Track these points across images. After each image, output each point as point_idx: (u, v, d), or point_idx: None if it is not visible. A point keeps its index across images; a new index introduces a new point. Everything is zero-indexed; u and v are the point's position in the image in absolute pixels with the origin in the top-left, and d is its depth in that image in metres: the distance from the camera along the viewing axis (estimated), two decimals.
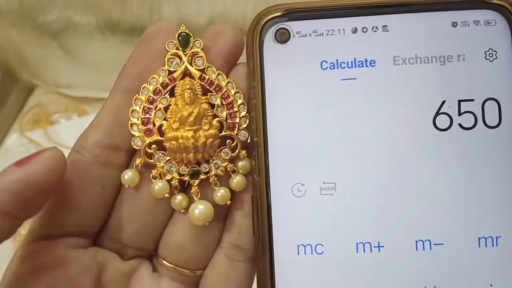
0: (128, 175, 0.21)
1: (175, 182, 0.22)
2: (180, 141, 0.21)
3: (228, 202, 0.22)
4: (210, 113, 0.21)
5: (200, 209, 0.21)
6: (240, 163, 0.22)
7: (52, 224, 0.21)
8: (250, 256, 0.22)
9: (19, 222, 0.18)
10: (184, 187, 0.22)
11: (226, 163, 0.22)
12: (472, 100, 0.21)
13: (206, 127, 0.21)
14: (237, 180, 0.22)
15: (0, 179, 0.18)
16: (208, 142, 0.21)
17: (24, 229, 0.50)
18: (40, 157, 0.18)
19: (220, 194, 0.22)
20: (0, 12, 0.60)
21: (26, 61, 0.63)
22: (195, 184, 0.22)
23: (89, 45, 0.64)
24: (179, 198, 0.22)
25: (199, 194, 0.22)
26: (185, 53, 0.21)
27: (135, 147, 0.21)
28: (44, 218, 0.21)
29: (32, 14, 0.61)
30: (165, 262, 0.23)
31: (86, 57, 0.64)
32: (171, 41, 0.21)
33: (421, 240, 0.21)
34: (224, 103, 0.22)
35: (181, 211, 0.22)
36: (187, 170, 0.22)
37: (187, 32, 0.22)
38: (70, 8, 0.61)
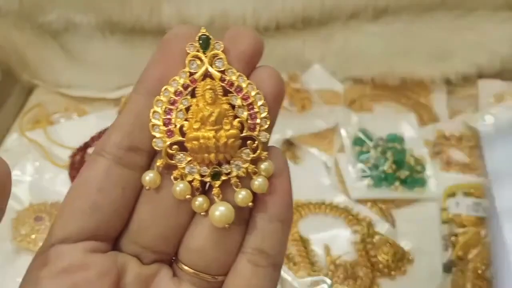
0: (149, 176, 0.21)
1: (196, 183, 0.21)
2: (202, 141, 0.21)
3: (250, 204, 0.21)
4: (230, 114, 0.21)
5: (221, 210, 0.21)
6: (262, 165, 0.22)
7: (72, 227, 0.21)
8: (274, 262, 0.22)
9: None
10: (204, 189, 0.22)
11: (247, 164, 0.21)
12: None
13: (227, 127, 0.21)
14: (259, 182, 0.21)
15: None
16: (229, 142, 0.21)
17: (24, 229, 0.50)
18: None
19: (242, 195, 0.21)
20: (0, 12, 0.60)
21: (26, 61, 0.63)
22: (217, 186, 0.21)
23: (89, 45, 0.64)
24: (199, 200, 0.21)
25: (220, 195, 0.21)
26: (205, 55, 0.21)
27: (156, 148, 0.21)
28: (63, 221, 0.21)
29: (32, 14, 0.61)
30: (185, 267, 0.22)
31: (86, 57, 0.64)
32: (192, 43, 0.21)
33: None
34: (244, 104, 0.21)
35: (202, 213, 0.22)
36: (209, 171, 0.21)
37: (208, 34, 0.21)
38: (70, 8, 0.61)
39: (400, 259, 0.47)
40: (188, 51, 0.21)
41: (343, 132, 0.56)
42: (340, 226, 0.49)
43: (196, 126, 0.21)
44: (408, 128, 0.57)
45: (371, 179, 0.52)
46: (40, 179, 0.54)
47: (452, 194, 0.51)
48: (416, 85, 0.63)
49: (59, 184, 0.53)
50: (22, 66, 0.63)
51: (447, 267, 0.46)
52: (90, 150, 0.55)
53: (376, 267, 0.46)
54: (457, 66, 0.62)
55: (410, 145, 0.55)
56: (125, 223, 0.22)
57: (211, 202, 0.22)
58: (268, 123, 0.22)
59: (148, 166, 0.22)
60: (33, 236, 0.47)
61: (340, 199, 0.51)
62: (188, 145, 0.21)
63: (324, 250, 0.47)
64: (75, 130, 0.58)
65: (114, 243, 0.22)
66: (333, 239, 0.48)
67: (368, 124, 0.57)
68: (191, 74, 0.21)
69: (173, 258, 0.23)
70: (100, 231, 0.21)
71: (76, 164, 0.54)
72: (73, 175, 0.53)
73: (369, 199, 0.52)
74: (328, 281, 0.45)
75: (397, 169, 0.52)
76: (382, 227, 0.49)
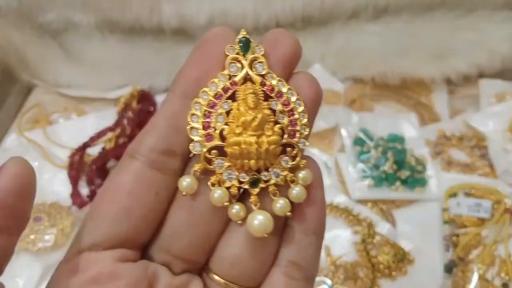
0: (187, 182, 0.20)
1: (234, 190, 0.21)
2: (243, 146, 0.20)
3: (288, 213, 0.21)
4: (272, 119, 0.21)
5: (260, 219, 0.20)
6: (300, 174, 0.21)
7: (101, 233, 0.20)
8: (308, 275, 0.21)
9: (14, 234, 0.18)
10: (240, 196, 0.22)
11: (286, 172, 0.21)
12: None
13: (269, 133, 0.20)
14: (296, 191, 0.21)
15: None
16: (270, 149, 0.20)
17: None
18: (3, 168, 0.18)
19: (280, 204, 0.21)
20: None
21: (26, 61, 0.63)
22: (255, 193, 0.21)
23: (88, 45, 0.64)
24: (236, 207, 0.21)
25: (258, 203, 0.21)
26: (245, 58, 0.21)
27: (193, 152, 0.21)
28: (92, 227, 0.20)
29: (32, 13, 0.61)
30: (216, 277, 0.21)
31: (86, 56, 0.64)
32: (232, 46, 0.21)
33: None
34: (285, 110, 0.21)
35: (238, 221, 0.21)
36: (247, 177, 0.21)
37: (248, 37, 0.21)
38: (69, 8, 0.61)
39: (401, 260, 0.46)
40: (227, 53, 0.21)
41: (343, 132, 0.56)
42: (340, 227, 0.49)
43: (238, 130, 0.20)
44: (409, 128, 0.57)
45: (372, 179, 0.52)
46: (39, 179, 0.52)
47: (453, 195, 0.51)
48: (416, 84, 0.63)
49: (57, 184, 0.53)
50: (21, 66, 0.63)
51: (448, 268, 0.46)
52: (89, 150, 0.55)
53: (376, 267, 0.46)
54: (457, 66, 0.61)
55: (410, 145, 0.55)
56: (156, 230, 0.21)
57: (248, 210, 0.21)
58: (308, 130, 0.21)
59: (182, 171, 0.21)
60: (32, 237, 0.47)
61: (340, 199, 0.51)
62: (228, 150, 0.20)
63: (325, 250, 0.47)
64: (74, 130, 0.58)
65: (144, 251, 0.21)
66: (334, 239, 0.48)
67: (369, 124, 0.57)
68: (231, 77, 0.21)
69: (204, 268, 0.22)
70: (131, 238, 0.20)
71: (75, 164, 0.53)
72: (72, 175, 0.52)
73: (370, 200, 0.51)
74: (329, 281, 0.45)
75: (398, 169, 0.52)
76: (382, 227, 0.49)
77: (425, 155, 0.55)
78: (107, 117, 0.58)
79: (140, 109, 0.58)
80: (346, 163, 0.54)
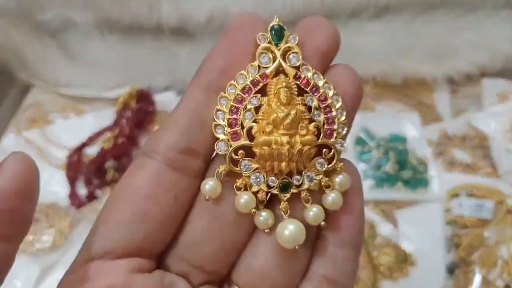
0: (210, 185, 0.18)
1: (262, 195, 0.19)
2: (274, 146, 0.18)
3: (323, 223, 0.19)
4: (306, 117, 0.19)
5: (291, 229, 0.18)
6: (337, 178, 0.19)
7: (114, 240, 0.18)
8: None
9: (14, 241, 0.17)
10: (268, 202, 0.19)
11: (320, 176, 0.19)
12: None
13: (303, 132, 0.18)
14: (332, 198, 0.19)
15: None
16: (304, 150, 0.18)
17: None
18: (2, 166, 0.16)
19: (313, 212, 0.18)
20: None
21: (24, 60, 0.62)
22: (285, 199, 0.19)
23: (87, 44, 0.63)
24: (264, 215, 0.19)
25: (288, 211, 0.19)
26: (278, 48, 0.19)
27: (218, 152, 0.18)
28: (104, 232, 0.18)
29: (30, 12, 0.61)
30: None
31: (85, 56, 0.63)
32: (263, 34, 0.19)
33: None
34: (321, 106, 0.19)
35: (266, 230, 0.19)
36: (277, 181, 0.19)
37: (281, 24, 0.19)
38: (68, 7, 0.61)
39: (402, 261, 0.46)
40: (258, 42, 0.19)
41: None
42: None
43: (268, 129, 0.18)
44: (410, 128, 0.57)
45: (373, 179, 0.52)
46: None
47: (455, 195, 0.50)
48: (418, 84, 0.63)
49: (55, 185, 0.52)
50: (20, 65, 0.63)
51: (450, 269, 0.45)
52: (87, 150, 0.55)
53: (378, 269, 0.46)
54: (459, 65, 0.61)
55: (412, 145, 0.55)
56: (174, 237, 0.19)
57: (276, 217, 0.19)
58: (346, 129, 0.19)
59: (204, 172, 0.19)
60: (30, 238, 0.47)
61: None
62: (256, 150, 0.18)
63: None
64: (72, 130, 0.58)
65: (159, 259, 0.19)
66: None
67: (370, 124, 0.57)
68: (261, 68, 0.19)
69: (226, 279, 0.20)
70: (147, 245, 0.18)
71: (73, 164, 0.53)
72: (70, 176, 0.52)
73: (371, 200, 0.51)
74: None
75: (400, 170, 0.52)
76: (384, 228, 0.48)
77: (427, 155, 0.54)
78: (106, 116, 0.58)
79: (138, 109, 0.58)
80: None
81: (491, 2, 0.62)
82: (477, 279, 0.44)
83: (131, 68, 0.63)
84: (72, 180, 0.52)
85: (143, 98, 0.59)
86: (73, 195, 0.50)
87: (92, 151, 0.55)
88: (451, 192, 0.51)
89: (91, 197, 0.51)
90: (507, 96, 0.59)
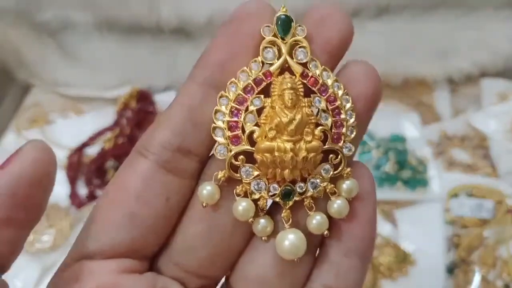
0: (207, 190, 0.17)
1: (262, 203, 0.17)
2: (276, 154, 0.17)
3: (326, 232, 0.18)
4: (313, 120, 0.17)
5: (291, 239, 0.17)
6: (344, 184, 0.18)
7: (104, 240, 0.18)
8: None
9: (26, 228, 0.16)
10: (269, 208, 0.18)
11: (326, 183, 0.18)
12: None
13: (309, 138, 0.17)
14: (338, 205, 0.17)
15: None
16: (310, 157, 0.17)
17: None
18: (21, 152, 0.16)
19: (316, 221, 0.17)
20: None
21: (24, 60, 0.62)
22: (287, 207, 0.18)
23: (86, 44, 0.63)
24: (262, 222, 0.18)
25: (290, 219, 0.18)
26: (284, 42, 0.17)
27: (218, 156, 0.17)
28: (94, 232, 0.18)
29: (30, 12, 0.60)
30: None
31: (84, 56, 0.63)
32: (268, 25, 0.17)
33: None
34: (329, 108, 0.17)
35: (263, 238, 0.18)
36: (279, 189, 0.17)
37: (288, 15, 0.17)
38: (68, 7, 0.61)
39: (402, 261, 0.46)
40: (263, 35, 0.17)
41: None
42: None
43: (271, 134, 0.17)
44: (410, 128, 0.57)
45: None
46: None
47: (455, 195, 0.50)
48: (418, 84, 0.63)
49: (55, 185, 0.52)
50: (19, 65, 0.63)
51: (450, 269, 0.46)
52: (87, 150, 0.55)
53: (378, 268, 0.46)
54: (459, 65, 0.61)
55: (412, 145, 0.55)
56: (166, 240, 0.18)
57: (276, 224, 0.18)
58: (355, 132, 0.18)
59: (199, 173, 0.18)
60: (30, 238, 0.46)
61: None
62: (258, 157, 0.17)
63: None
64: (72, 129, 0.58)
65: (152, 261, 0.19)
66: None
67: (370, 124, 0.57)
68: (265, 65, 0.17)
69: (223, 286, 0.19)
70: (137, 247, 0.18)
71: (74, 164, 0.53)
72: (70, 176, 0.52)
73: None
74: None
75: (399, 170, 0.52)
76: (384, 228, 0.48)
77: (427, 155, 0.54)
78: (106, 116, 0.58)
79: (139, 109, 0.58)
80: None
81: (491, 2, 0.62)
82: (477, 278, 0.44)
83: (131, 68, 0.63)
84: (72, 180, 0.52)
85: (143, 98, 0.60)
86: (73, 195, 0.51)
87: (92, 151, 0.55)
88: (451, 192, 0.51)
89: (92, 197, 0.51)
90: (507, 96, 0.59)
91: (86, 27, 0.62)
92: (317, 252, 0.19)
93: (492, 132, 0.55)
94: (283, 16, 0.17)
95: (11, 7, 0.59)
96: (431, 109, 0.61)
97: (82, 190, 0.51)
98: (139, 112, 0.58)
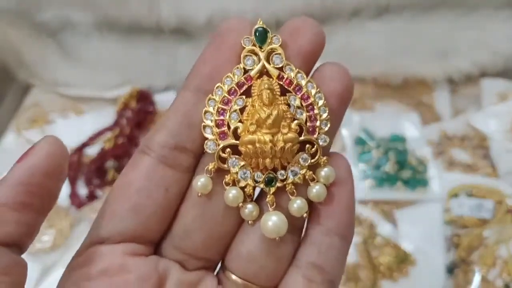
0: (201, 182, 0.20)
1: (249, 190, 0.20)
2: (257, 145, 0.19)
3: (305, 214, 0.20)
4: (288, 115, 0.20)
5: (274, 220, 0.20)
6: (322, 172, 0.20)
7: (111, 229, 0.20)
8: (330, 278, 0.20)
9: (41, 213, 0.18)
10: (258, 196, 0.21)
11: (304, 170, 0.20)
12: None
13: (285, 130, 0.20)
14: (316, 190, 0.20)
15: (9, 177, 0.18)
16: (286, 147, 0.20)
17: None
18: (37, 146, 0.18)
19: (297, 205, 0.20)
20: None
21: (23, 60, 0.62)
22: (271, 193, 0.20)
23: (86, 44, 0.63)
24: (249, 207, 0.20)
25: (274, 203, 0.20)
26: (262, 50, 0.20)
27: (208, 151, 0.20)
28: (103, 222, 0.20)
29: (30, 12, 0.61)
30: (233, 276, 0.21)
31: (84, 55, 0.63)
32: (247, 37, 0.20)
33: None
34: (303, 105, 0.20)
35: (249, 222, 0.20)
36: (263, 176, 0.20)
37: (265, 27, 0.20)
38: (67, 7, 0.61)
39: (402, 261, 0.46)
40: (243, 45, 0.20)
41: (344, 132, 0.56)
42: None
43: (252, 128, 0.20)
44: (410, 128, 0.57)
45: (373, 179, 0.52)
46: None
47: (455, 195, 0.50)
48: (418, 84, 0.63)
49: None
50: (19, 65, 0.63)
51: (450, 269, 0.46)
52: (87, 150, 0.55)
53: (378, 268, 0.46)
54: (459, 65, 0.61)
55: (412, 145, 0.55)
56: (168, 227, 0.21)
57: (261, 209, 0.20)
58: (329, 125, 0.20)
59: (194, 167, 0.21)
60: None
61: None
62: (242, 149, 0.20)
63: None
64: (72, 129, 0.58)
65: (156, 247, 0.21)
66: None
67: (370, 124, 0.57)
68: (246, 71, 0.20)
69: (220, 265, 0.22)
70: (142, 233, 0.20)
71: (74, 164, 0.53)
72: (70, 176, 0.52)
73: (371, 200, 0.51)
74: None
75: (399, 170, 0.52)
76: (384, 228, 0.48)
77: (427, 155, 0.54)
78: (106, 116, 0.58)
79: (139, 109, 0.58)
80: None
81: (491, 2, 0.62)
82: (477, 278, 0.44)
83: (131, 68, 0.63)
84: (72, 180, 0.52)
85: (143, 98, 0.60)
86: (73, 195, 0.51)
87: (92, 151, 0.55)
88: (450, 192, 0.51)
89: (92, 197, 0.51)
90: (507, 96, 0.59)
91: (86, 27, 0.62)
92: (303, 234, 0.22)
93: (492, 132, 0.55)
94: (260, 28, 0.20)
95: (11, 7, 0.59)
96: (431, 109, 0.61)
97: (82, 190, 0.51)
98: (139, 112, 0.58)
